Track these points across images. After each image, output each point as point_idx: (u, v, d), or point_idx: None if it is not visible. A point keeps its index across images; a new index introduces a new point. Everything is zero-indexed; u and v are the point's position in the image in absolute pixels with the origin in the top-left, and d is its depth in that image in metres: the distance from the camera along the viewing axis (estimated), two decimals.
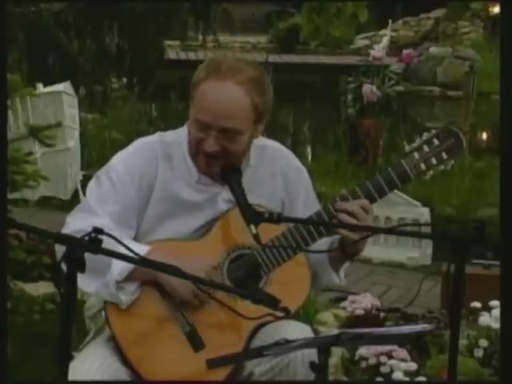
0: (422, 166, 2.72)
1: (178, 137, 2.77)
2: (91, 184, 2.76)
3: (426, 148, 2.72)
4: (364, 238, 2.68)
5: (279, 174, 2.84)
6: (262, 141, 2.84)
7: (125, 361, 2.63)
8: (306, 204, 2.86)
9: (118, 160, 2.75)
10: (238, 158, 2.72)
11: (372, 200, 2.71)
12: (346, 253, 2.77)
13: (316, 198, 2.94)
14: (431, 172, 2.74)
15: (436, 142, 2.72)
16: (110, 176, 2.71)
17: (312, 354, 2.53)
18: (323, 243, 2.82)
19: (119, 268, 2.58)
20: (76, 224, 2.64)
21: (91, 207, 2.69)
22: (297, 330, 2.62)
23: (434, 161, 2.72)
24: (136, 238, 2.72)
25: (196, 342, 2.62)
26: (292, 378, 2.61)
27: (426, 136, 2.73)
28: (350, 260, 2.81)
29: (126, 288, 2.61)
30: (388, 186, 2.71)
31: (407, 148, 2.73)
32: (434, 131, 2.73)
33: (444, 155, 2.72)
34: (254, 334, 2.68)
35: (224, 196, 2.75)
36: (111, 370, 2.59)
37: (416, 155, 2.72)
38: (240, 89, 2.63)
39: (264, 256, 2.69)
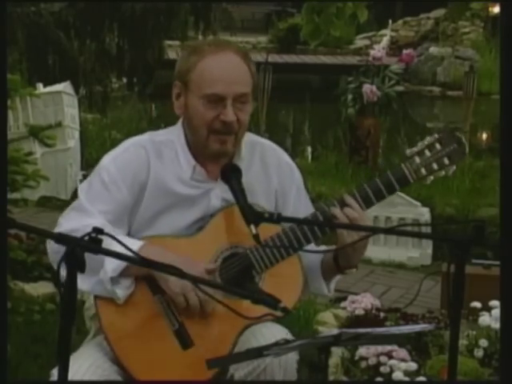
0: (423, 171, 2.70)
1: (170, 135, 2.77)
2: (83, 185, 2.75)
3: (427, 152, 2.69)
4: (356, 241, 2.65)
5: (272, 170, 2.83)
6: (251, 137, 2.83)
7: (114, 356, 2.62)
8: (296, 201, 2.85)
9: (109, 159, 2.74)
10: (243, 135, 2.73)
11: (369, 203, 2.71)
12: (338, 264, 2.76)
13: (307, 195, 2.93)
14: (431, 177, 2.71)
15: (438, 146, 2.69)
16: (101, 176, 2.70)
17: (289, 358, 2.54)
18: (317, 255, 2.81)
19: (113, 264, 2.57)
20: (68, 223, 2.64)
21: (83, 207, 2.68)
22: (274, 333, 2.60)
23: (435, 166, 2.70)
24: (129, 236, 2.71)
25: (184, 340, 2.63)
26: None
27: (427, 140, 2.70)
28: (342, 273, 2.80)
29: (121, 283, 2.60)
30: (386, 190, 2.70)
31: (408, 152, 2.71)
32: (436, 135, 2.70)
33: (446, 160, 2.69)
34: (241, 333, 2.65)
35: (217, 193, 2.74)
36: (101, 370, 2.59)
37: (417, 159, 2.69)
38: (238, 56, 2.69)
39: (257, 256, 2.68)
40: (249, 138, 2.81)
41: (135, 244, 2.58)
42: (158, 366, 2.62)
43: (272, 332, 2.60)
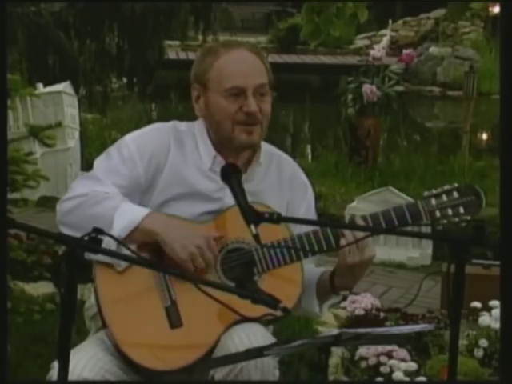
0: (437, 213, 2.74)
1: (191, 127, 2.82)
2: (100, 157, 2.80)
3: (444, 197, 2.75)
4: (357, 241, 2.66)
5: (286, 183, 2.87)
6: (268, 147, 2.88)
7: (102, 320, 2.63)
8: (305, 218, 2.86)
9: (131, 138, 2.80)
10: (267, 126, 2.77)
11: (380, 228, 2.76)
12: (333, 285, 2.77)
13: (316, 214, 2.95)
14: (445, 221, 2.76)
15: (456, 194, 2.75)
16: (120, 151, 2.76)
17: (265, 360, 2.53)
18: (314, 273, 2.82)
19: (121, 226, 2.61)
20: (79, 188, 2.70)
21: (96, 176, 2.73)
22: (250, 338, 2.58)
23: (449, 211, 2.74)
24: None
25: (174, 319, 2.63)
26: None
27: (447, 187, 2.76)
28: (335, 294, 2.81)
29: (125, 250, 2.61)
30: (398, 221, 2.74)
31: (426, 193, 2.76)
32: (456, 185, 2.77)
33: (461, 209, 2.75)
34: (230, 327, 2.64)
35: None
36: (102, 363, 2.60)
37: (433, 201, 2.74)
38: (251, 53, 2.78)
39: (261, 255, 2.70)
40: (266, 147, 2.86)
41: (141, 212, 2.64)
42: (141, 336, 2.62)
43: (249, 337, 2.58)
